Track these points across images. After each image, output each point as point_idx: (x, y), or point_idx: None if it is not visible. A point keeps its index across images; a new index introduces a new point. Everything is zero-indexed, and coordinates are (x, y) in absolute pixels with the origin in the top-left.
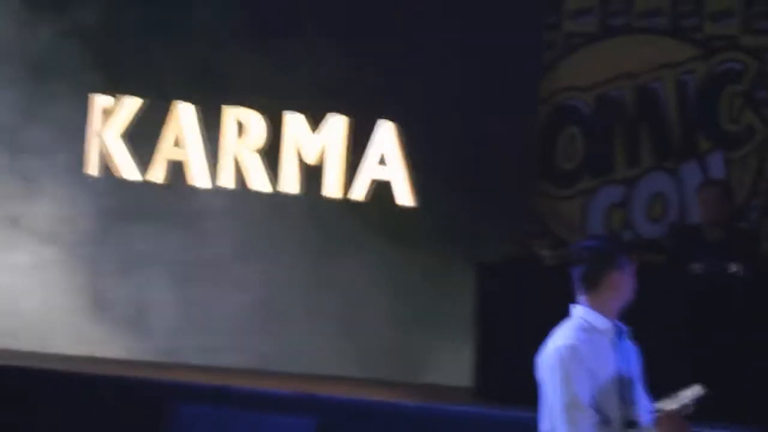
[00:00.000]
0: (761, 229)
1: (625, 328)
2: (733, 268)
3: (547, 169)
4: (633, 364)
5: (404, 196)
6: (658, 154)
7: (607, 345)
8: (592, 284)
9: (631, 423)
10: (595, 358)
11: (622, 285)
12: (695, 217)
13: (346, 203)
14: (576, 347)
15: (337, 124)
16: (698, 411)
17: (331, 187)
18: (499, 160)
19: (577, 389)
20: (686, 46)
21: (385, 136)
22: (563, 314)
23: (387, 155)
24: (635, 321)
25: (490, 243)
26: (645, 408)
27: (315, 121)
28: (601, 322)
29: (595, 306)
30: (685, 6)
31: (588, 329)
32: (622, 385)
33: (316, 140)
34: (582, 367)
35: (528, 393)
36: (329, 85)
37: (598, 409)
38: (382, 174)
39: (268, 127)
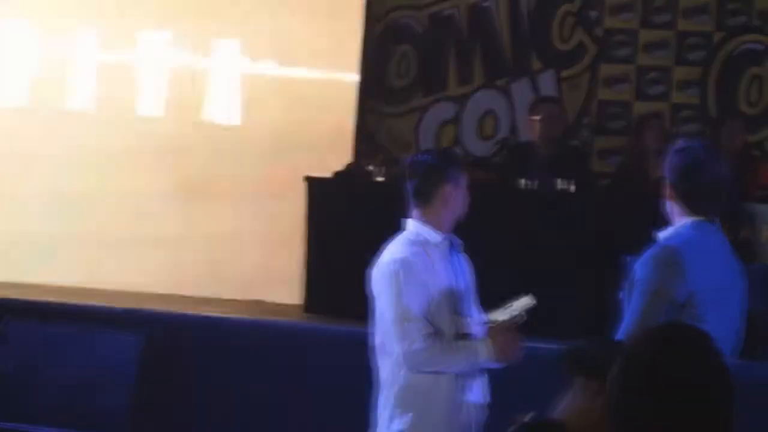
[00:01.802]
0: (590, 146)
1: (457, 241)
2: (563, 184)
3: (379, 87)
4: (465, 276)
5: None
6: (490, 72)
7: (440, 258)
8: (425, 198)
9: (462, 335)
10: (427, 271)
11: (455, 198)
12: (525, 135)
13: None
14: (408, 260)
15: None
16: (529, 323)
17: None
18: (326, 77)
19: (408, 302)
20: None
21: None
22: (394, 229)
23: None
24: (468, 235)
25: (321, 160)
26: (477, 320)
27: None
28: (434, 235)
29: (428, 219)
30: None
31: (420, 242)
32: (454, 298)
33: None
34: (414, 280)
35: (359, 308)
36: None
37: (430, 321)
38: None
39: None
